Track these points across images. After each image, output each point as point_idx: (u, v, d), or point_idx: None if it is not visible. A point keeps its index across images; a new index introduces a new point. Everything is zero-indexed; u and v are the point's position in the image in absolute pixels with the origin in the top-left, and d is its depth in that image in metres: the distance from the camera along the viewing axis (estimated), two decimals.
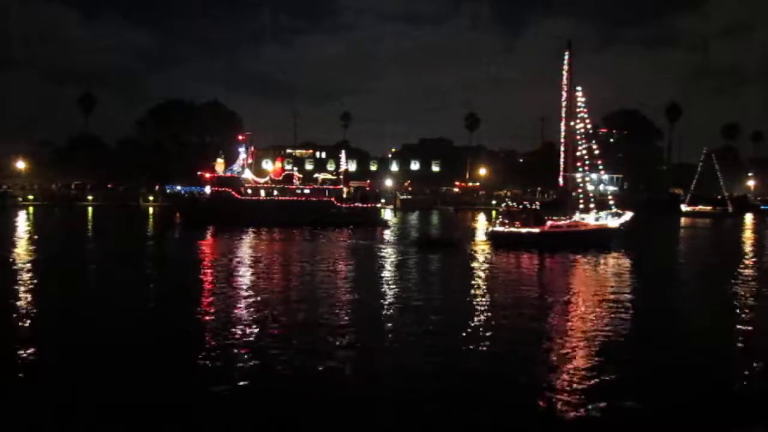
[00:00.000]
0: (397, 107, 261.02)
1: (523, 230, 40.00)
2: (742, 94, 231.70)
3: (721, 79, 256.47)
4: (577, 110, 41.76)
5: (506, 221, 42.12)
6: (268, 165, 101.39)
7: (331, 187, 62.92)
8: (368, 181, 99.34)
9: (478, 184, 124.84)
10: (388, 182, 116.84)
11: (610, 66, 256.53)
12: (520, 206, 43.25)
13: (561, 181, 43.37)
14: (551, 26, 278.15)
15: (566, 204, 41.95)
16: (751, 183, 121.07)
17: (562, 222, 40.60)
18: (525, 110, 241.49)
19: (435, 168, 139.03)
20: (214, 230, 49.41)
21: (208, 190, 60.44)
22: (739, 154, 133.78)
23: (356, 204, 63.01)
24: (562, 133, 42.39)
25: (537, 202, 43.91)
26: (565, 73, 42.39)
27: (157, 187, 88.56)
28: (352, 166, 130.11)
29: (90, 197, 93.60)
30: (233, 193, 59.40)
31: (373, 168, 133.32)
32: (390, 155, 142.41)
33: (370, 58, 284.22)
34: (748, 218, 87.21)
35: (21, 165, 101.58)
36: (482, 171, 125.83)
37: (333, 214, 59.62)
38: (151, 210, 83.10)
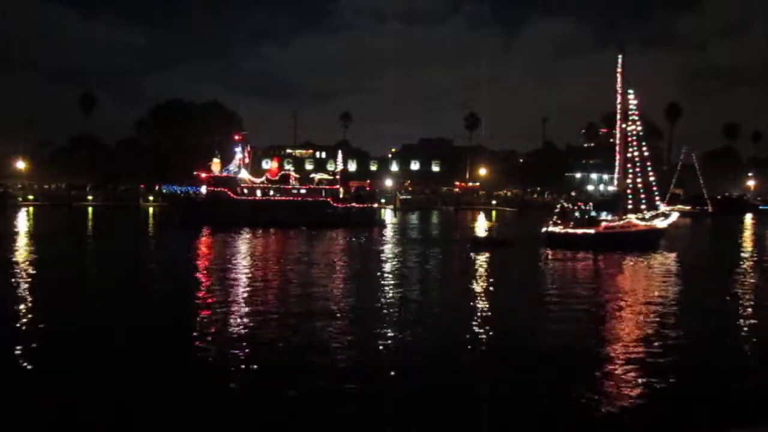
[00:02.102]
0: (397, 107, 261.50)
1: (579, 231, 40.79)
2: (742, 94, 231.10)
3: (721, 79, 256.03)
4: (629, 113, 42.30)
5: (560, 222, 42.87)
6: (268, 165, 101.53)
7: (327, 187, 62.91)
8: (368, 181, 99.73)
9: (478, 184, 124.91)
10: (388, 182, 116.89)
11: (609, 66, 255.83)
12: (574, 207, 44.05)
13: (615, 182, 43.70)
14: (550, 26, 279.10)
15: (618, 204, 42.65)
16: (751, 183, 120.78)
17: (616, 223, 41.35)
18: (525, 110, 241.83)
19: (435, 168, 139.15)
20: (208, 230, 49.41)
21: (204, 190, 60.60)
22: (739, 153, 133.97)
23: (352, 204, 63.10)
24: (618, 136, 43.07)
25: (590, 203, 44.62)
26: (618, 76, 42.91)
27: (157, 188, 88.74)
28: (352, 166, 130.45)
29: (90, 197, 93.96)
30: (229, 192, 59.58)
31: (373, 168, 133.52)
32: (390, 155, 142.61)
33: (370, 58, 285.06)
34: (745, 218, 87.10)
35: (21, 165, 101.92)
36: (482, 171, 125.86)
37: (329, 215, 59.73)
38: (151, 210, 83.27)
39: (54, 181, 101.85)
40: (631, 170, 42.22)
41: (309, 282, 25.61)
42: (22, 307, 19.66)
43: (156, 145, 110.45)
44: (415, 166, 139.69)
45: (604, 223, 41.29)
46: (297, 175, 67.76)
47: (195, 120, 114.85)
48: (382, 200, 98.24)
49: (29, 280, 24.92)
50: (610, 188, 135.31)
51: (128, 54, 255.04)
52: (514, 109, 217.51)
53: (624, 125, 42.52)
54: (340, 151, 76.68)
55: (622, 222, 41.40)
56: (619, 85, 42.81)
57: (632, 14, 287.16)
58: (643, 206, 42.26)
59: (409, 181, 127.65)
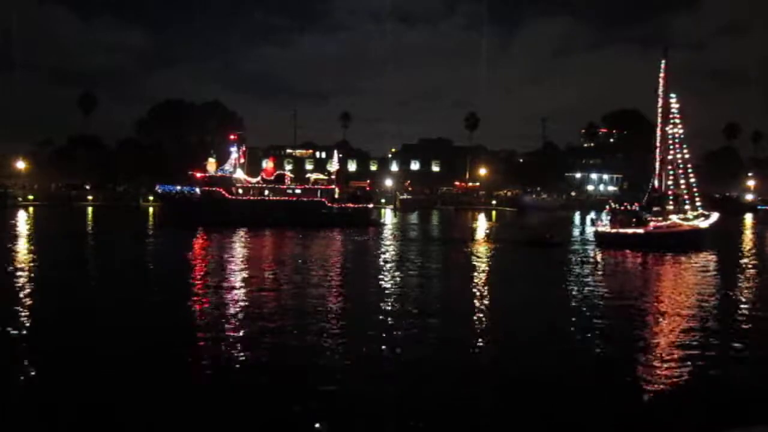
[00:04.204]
0: (396, 107, 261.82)
1: (630, 231, 41.84)
2: (742, 94, 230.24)
3: (721, 79, 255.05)
4: (671, 116, 43.07)
5: (609, 222, 44.09)
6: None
7: (322, 187, 63.05)
8: (368, 181, 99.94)
9: (478, 184, 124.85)
10: (388, 182, 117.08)
11: (608, 65, 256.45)
12: (623, 207, 44.97)
13: (656, 183, 44.65)
14: (548, 26, 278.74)
15: (662, 205, 43.55)
16: (751, 183, 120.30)
17: (663, 223, 42.27)
18: (524, 110, 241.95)
19: (435, 168, 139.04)
20: (202, 231, 49.21)
21: (198, 190, 60.68)
22: (739, 153, 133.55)
23: (347, 204, 63.23)
24: (658, 139, 43.93)
25: (636, 204, 45.71)
26: (661, 80, 43.78)
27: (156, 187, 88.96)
28: (352, 166, 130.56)
29: (90, 197, 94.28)
30: (224, 192, 59.71)
31: (373, 168, 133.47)
32: (390, 155, 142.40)
33: (369, 58, 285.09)
34: (741, 218, 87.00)
35: (21, 165, 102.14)
36: (482, 171, 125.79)
37: (324, 215, 59.86)
38: (151, 210, 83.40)
39: (54, 181, 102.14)
40: (672, 171, 43.14)
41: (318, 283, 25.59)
42: (14, 306, 19.73)
43: (156, 145, 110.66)
44: (415, 166, 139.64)
45: (652, 224, 42.14)
46: (292, 175, 67.96)
47: (195, 120, 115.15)
48: (382, 200, 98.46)
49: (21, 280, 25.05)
50: (610, 188, 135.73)
51: (128, 54, 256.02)
52: (514, 109, 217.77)
53: (666, 128, 43.41)
54: (335, 151, 76.77)
55: (668, 222, 42.26)
56: (661, 88, 43.70)
57: (632, 14, 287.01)
58: (687, 207, 43.23)
59: (409, 181, 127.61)
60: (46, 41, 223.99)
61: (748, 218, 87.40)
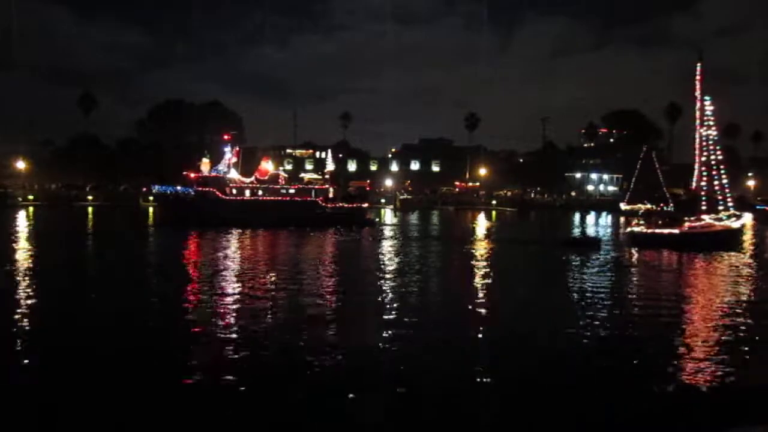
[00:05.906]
0: (396, 107, 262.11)
1: (665, 231, 42.62)
2: (742, 94, 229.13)
3: (721, 79, 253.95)
4: (705, 119, 43.77)
5: (643, 222, 45.34)
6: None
7: (317, 187, 63.22)
8: (368, 181, 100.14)
9: (478, 184, 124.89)
10: (388, 182, 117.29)
11: (607, 66, 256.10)
12: (659, 209, 45.56)
13: (694, 184, 45.19)
14: (547, 26, 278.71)
15: (697, 206, 44.07)
16: (751, 183, 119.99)
17: (698, 223, 42.93)
18: (524, 110, 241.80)
19: (435, 168, 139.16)
20: (195, 231, 48.92)
21: (192, 190, 60.82)
22: (739, 153, 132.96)
23: (342, 204, 63.39)
24: (697, 141, 44.38)
25: (671, 204, 46.46)
26: (697, 83, 44.50)
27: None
28: (352, 166, 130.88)
29: (90, 197, 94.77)
30: (217, 192, 59.89)
31: (373, 168, 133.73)
32: (390, 155, 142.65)
33: (368, 58, 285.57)
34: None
35: (21, 165, 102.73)
36: (482, 171, 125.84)
37: (318, 215, 60.02)
38: (150, 210, 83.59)
39: (54, 181, 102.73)
40: (706, 173, 43.70)
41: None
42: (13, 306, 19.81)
43: (156, 145, 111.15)
44: (415, 166, 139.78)
45: (687, 224, 42.85)
46: (286, 175, 68.12)
47: (194, 120, 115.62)
48: (383, 200, 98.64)
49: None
50: (610, 188, 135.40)
51: (128, 54, 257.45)
52: (514, 109, 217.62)
53: (701, 130, 43.91)
54: (329, 151, 77.13)
55: (702, 223, 42.88)
56: (697, 91, 44.39)
57: (631, 14, 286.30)
58: (720, 207, 43.87)
59: (409, 181, 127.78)
60: (46, 41, 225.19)
61: (748, 218, 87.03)
